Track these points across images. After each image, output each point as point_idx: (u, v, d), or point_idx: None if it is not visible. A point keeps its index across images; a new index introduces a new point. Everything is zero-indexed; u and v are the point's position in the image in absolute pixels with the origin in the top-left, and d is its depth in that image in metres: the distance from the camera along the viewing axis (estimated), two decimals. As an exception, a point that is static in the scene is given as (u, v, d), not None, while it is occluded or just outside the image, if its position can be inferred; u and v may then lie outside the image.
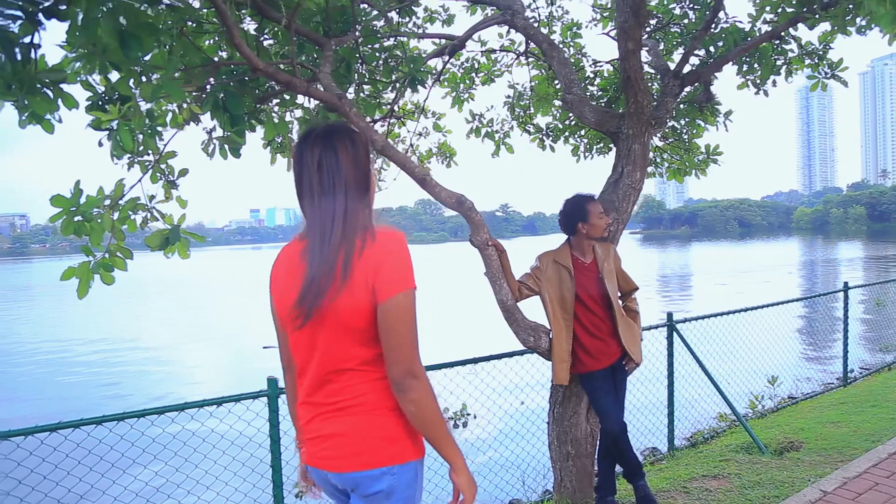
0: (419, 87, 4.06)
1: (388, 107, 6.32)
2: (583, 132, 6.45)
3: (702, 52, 5.11)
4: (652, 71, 5.36)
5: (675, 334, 5.46)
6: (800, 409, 6.23)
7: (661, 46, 6.04)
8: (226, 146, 3.33)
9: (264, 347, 14.94)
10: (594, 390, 3.72)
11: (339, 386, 1.63)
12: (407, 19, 6.45)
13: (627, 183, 3.89)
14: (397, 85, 4.41)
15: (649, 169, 6.71)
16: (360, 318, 1.57)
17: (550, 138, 6.72)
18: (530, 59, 6.36)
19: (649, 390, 5.91)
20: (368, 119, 3.84)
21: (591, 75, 6.43)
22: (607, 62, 6.20)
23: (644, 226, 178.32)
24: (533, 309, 3.73)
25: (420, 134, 7.06)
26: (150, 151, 3.01)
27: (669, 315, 5.49)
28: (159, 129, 2.72)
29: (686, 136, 6.11)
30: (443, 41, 5.29)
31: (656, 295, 25.53)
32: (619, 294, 3.89)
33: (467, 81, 6.70)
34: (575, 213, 3.64)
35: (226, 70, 3.09)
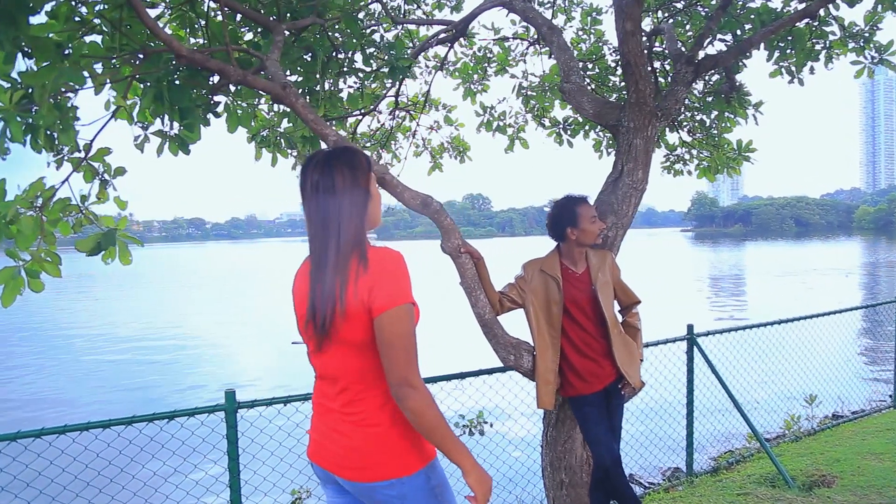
0: (401, 77, 3.69)
1: (393, 98, 6.00)
2: (605, 125, 5.97)
3: (728, 37, 4.60)
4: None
5: (695, 348, 4.95)
6: (840, 433, 5.61)
7: (690, 32, 5.52)
8: (174, 143, 3.04)
9: (293, 343, 14.87)
10: (584, 417, 3.30)
11: (352, 397, 1.74)
12: (414, 6, 6.12)
13: (628, 183, 3.44)
14: (380, 74, 4.05)
15: (677, 166, 6.20)
16: (360, 334, 1.68)
17: (568, 133, 6.25)
18: (545, 48, 5.91)
19: (675, 410, 5.43)
20: (321, 114, 3.49)
21: (612, 64, 5.95)
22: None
23: (696, 223, 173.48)
24: (515, 322, 3.34)
25: (431, 128, 6.72)
26: (80, 148, 2.75)
27: (689, 327, 4.99)
28: (74, 124, 2.44)
29: (715, 131, 5.57)
30: (440, 28, 4.92)
31: (707, 299, 24.50)
32: (619, 308, 3.47)
33: (480, 72, 6.31)
34: (563, 216, 3.22)
35: (167, 57, 2.80)
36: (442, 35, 4.88)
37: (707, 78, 5.36)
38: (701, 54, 4.22)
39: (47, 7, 2.90)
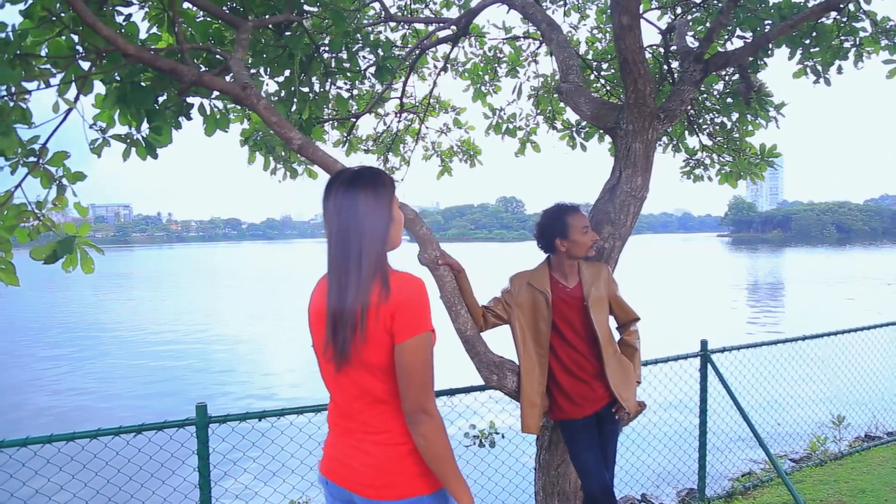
0: (389, 78, 3.50)
1: (398, 99, 5.83)
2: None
3: (748, 34, 4.28)
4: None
5: (709, 366, 4.65)
6: (869, 458, 5.22)
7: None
8: (141, 146, 2.90)
9: (312, 346, 14.70)
10: (573, 442, 3.06)
11: (370, 417, 1.77)
12: (421, 5, 5.93)
13: (626, 190, 3.18)
14: (368, 75, 3.87)
15: (697, 172, 5.89)
16: (382, 357, 1.70)
17: (582, 135, 5.99)
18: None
19: (689, 432, 5.12)
20: (305, 116, 3.31)
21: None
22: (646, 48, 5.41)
23: (733, 228, 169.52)
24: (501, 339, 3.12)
25: (440, 130, 6.52)
26: (39, 153, 2.62)
27: (703, 343, 4.68)
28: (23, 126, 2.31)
29: (737, 135, 5.25)
30: (439, 27, 4.71)
31: (749, 307, 23.75)
32: (616, 326, 3.21)
33: (490, 73, 6.09)
34: (552, 227, 2.98)
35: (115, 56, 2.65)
36: (444, 34, 4.67)
37: (727, 78, 5.05)
38: (717, 51, 3.94)
39: (21, 6, 2.81)
